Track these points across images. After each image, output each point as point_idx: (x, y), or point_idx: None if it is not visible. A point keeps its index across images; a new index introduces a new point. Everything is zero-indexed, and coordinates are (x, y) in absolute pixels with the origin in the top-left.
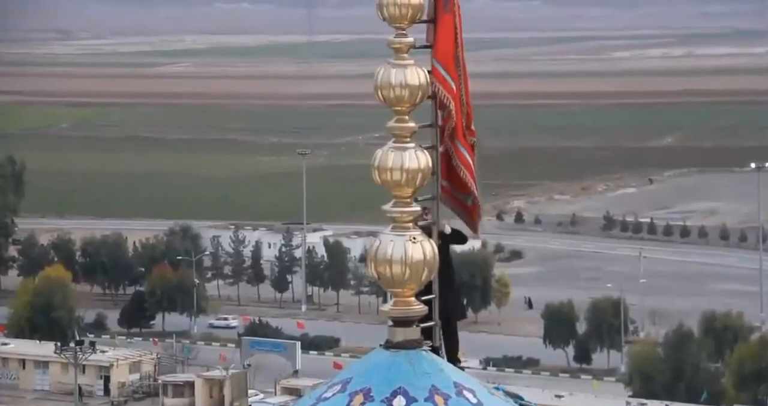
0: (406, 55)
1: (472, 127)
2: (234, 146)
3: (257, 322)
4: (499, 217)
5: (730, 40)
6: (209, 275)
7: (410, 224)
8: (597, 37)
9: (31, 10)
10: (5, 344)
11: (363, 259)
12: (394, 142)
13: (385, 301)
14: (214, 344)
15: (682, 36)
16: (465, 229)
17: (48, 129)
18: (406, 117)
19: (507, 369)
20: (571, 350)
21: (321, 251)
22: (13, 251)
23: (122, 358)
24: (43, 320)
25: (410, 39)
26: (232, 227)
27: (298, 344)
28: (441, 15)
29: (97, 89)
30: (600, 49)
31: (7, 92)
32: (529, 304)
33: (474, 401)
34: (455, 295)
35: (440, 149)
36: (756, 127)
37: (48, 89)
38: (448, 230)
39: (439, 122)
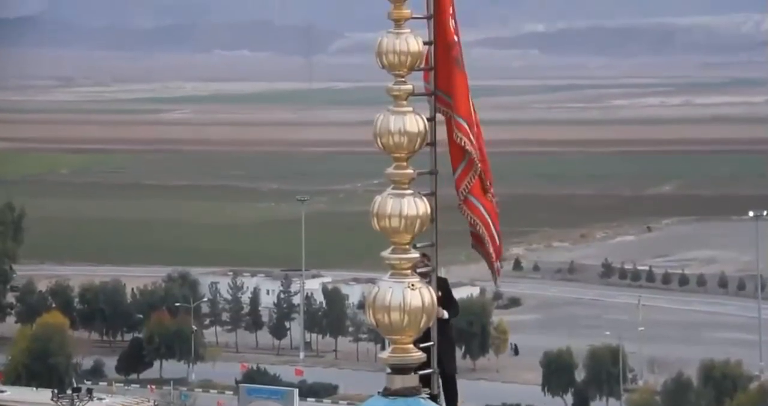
0: (405, 102)
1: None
2: (233, 193)
3: (255, 369)
4: None
5: (728, 89)
6: (207, 321)
7: (409, 271)
8: (596, 85)
9: (33, 57)
10: (2, 391)
11: (361, 306)
12: (393, 188)
13: (383, 348)
14: (211, 391)
15: (680, 85)
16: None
17: (47, 175)
18: (405, 163)
19: None
20: (569, 398)
21: (319, 297)
22: (11, 297)
23: (119, 405)
24: (41, 366)
25: (409, 86)
26: (231, 273)
27: (296, 391)
28: (454, 71)
29: (98, 136)
30: (599, 97)
31: (8, 139)
32: (515, 350)
33: None
34: (450, 346)
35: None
36: (754, 176)
37: (48, 136)
38: (444, 315)
39: (456, 175)
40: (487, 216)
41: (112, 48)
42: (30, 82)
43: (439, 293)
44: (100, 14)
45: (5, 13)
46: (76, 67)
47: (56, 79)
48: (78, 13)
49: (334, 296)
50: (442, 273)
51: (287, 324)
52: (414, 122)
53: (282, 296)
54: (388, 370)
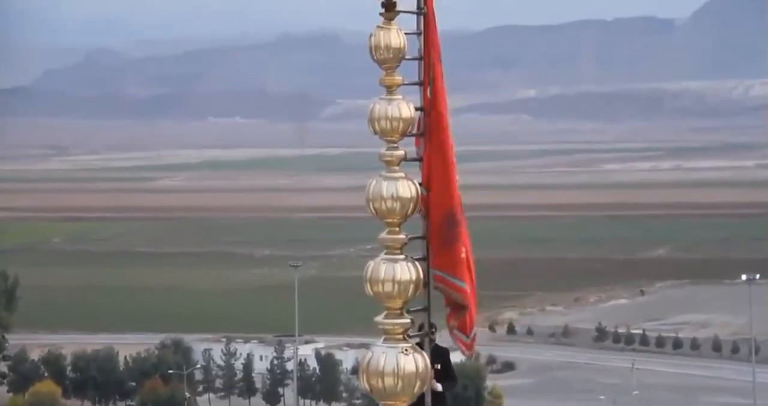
0: (397, 167)
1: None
2: (226, 259)
3: None
4: (491, 328)
5: (719, 154)
6: (200, 388)
7: (402, 336)
8: (587, 149)
9: (27, 127)
10: None
11: (355, 371)
12: (386, 253)
13: None
14: None
15: (670, 149)
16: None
17: (40, 244)
18: (398, 229)
19: None
20: None
21: (313, 363)
22: (3, 367)
23: None
24: None
25: (401, 152)
26: (224, 339)
27: None
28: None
29: (91, 204)
30: (590, 161)
31: (1, 208)
32: None
33: None
34: None
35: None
36: (746, 239)
37: (42, 205)
38: (438, 388)
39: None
40: (467, 287)
41: (105, 117)
42: (24, 152)
43: (437, 366)
44: (93, 84)
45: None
46: (69, 136)
47: (50, 148)
48: (71, 83)
49: (327, 362)
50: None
51: (281, 390)
52: (406, 188)
53: (275, 361)
54: None
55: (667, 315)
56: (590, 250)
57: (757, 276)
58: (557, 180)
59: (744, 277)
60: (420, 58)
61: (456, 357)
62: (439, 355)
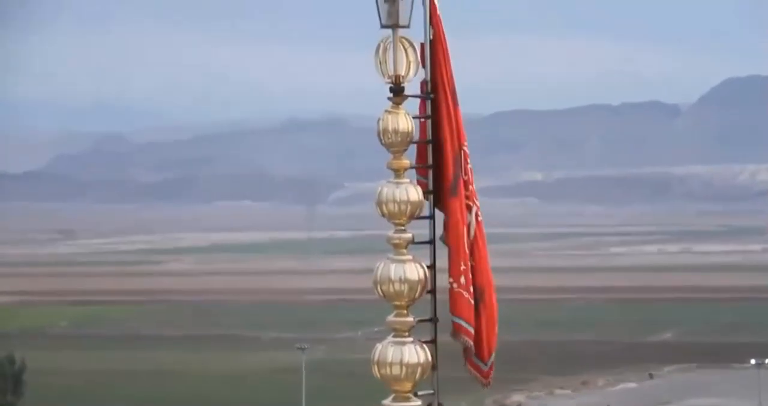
0: (404, 250)
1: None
2: (233, 342)
3: None
4: None
5: (726, 238)
6: None
7: None
8: (594, 233)
9: (35, 211)
10: None
11: None
12: (394, 336)
13: None
14: None
15: (677, 233)
16: None
17: (48, 328)
18: (405, 311)
19: None
20: None
21: None
22: None
23: None
24: None
25: (409, 235)
26: None
27: None
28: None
29: (98, 288)
30: (597, 245)
31: (9, 292)
32: None
33: None
34: None
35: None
36: (754, 324)
37: (49, 288)
38: None
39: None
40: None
41: (113, 201)
42: (32, 236)
43: None
44: (101, 169)
45: (9, 169)
46: (78, 220)
47: (58, 232)
48: (79, 167)
49: None
50: None
51: None
52: (414, 270)
53: None
54: None
55: (677, 399)
56: (597, 333)
57: (766, 360)
58: (564, 263)
59: (753, 361)
60: (428, 142)
61: None
62: None
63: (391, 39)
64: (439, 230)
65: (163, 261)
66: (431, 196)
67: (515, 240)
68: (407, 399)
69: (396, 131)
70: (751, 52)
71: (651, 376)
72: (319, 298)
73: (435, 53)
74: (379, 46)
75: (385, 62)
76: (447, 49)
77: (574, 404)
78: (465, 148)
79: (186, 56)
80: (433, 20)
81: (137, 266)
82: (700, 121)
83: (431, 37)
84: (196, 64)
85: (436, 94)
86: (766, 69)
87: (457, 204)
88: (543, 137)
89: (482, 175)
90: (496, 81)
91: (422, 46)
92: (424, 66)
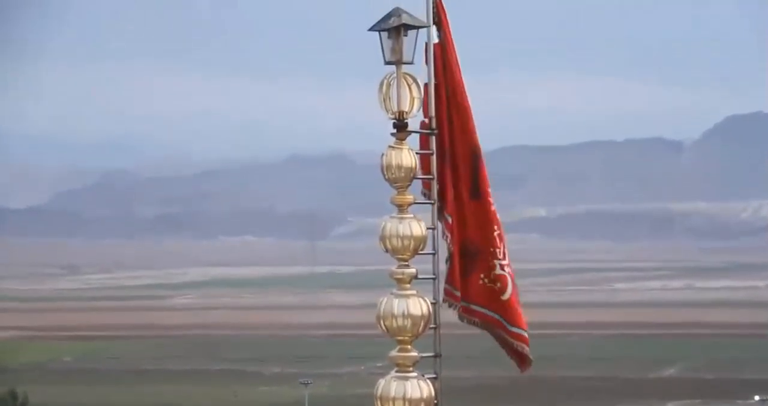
0: (408, 285)
1: None
2: (236, 377)
3: None
4: None
5: (730, 274)
6: None
7: None
8: (597, 268)
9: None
10: None
11: None
12: (397, 371)
13: None
14: None
15: (681, 268)
16: None
17: (51, 363)
18: (409, 346)
19: None
20: None
21: None
22: None
23: None
24: None
25: (413, 270)
26: None
27: None
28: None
29: (102, 322)
30: (600, 280)
31: (12, 327)
32: None
33: None
34: None
35: None
36: (758, 360)
37: (53, 324)
38: None
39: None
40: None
41: (116, 236)
42: (36, 270)
43: None
44: (104, 204)
45: (12, 204)
46: (81, 255)
47: (61, 267)
48: (82, 203)
49: None
50: None
51: None
52: (418, 305)
53: None
54: None
55: None
56: (600, 368)
57: None
58: (567, 298)
59: (757, 397)
60: (432, 177)
61: None
62: None
63: (394, 75)
64: (442, 266)
65: (166, 296)
66: (435, 232)
67: (517, 276)
68: None
69: (400, 167)
70: (755, 89)
71: None
72: (322, 332)
73: (448, 60)
74: (382, 82)
75: (389, 98)
76: (455, 51)
77: None
78: (481, 155)
79: (190, 93)
80: (443, 23)
81: (141, 300)
82: (703, 157)
83: (442, 41)
84: (200, 100)
85: (440, 129)
86: None
87: (481, 207)
88: (545, 173)
89: None
90: (499, 116)
91: (425, 86)
92: (426, 107)
